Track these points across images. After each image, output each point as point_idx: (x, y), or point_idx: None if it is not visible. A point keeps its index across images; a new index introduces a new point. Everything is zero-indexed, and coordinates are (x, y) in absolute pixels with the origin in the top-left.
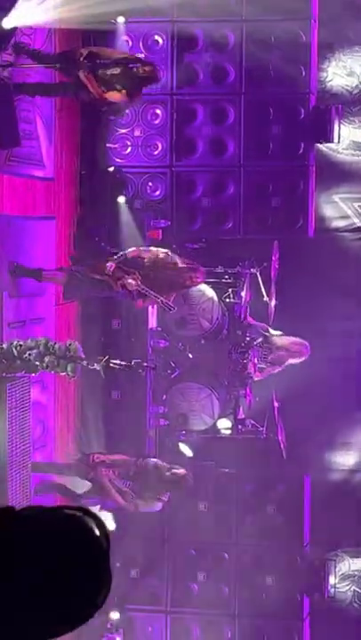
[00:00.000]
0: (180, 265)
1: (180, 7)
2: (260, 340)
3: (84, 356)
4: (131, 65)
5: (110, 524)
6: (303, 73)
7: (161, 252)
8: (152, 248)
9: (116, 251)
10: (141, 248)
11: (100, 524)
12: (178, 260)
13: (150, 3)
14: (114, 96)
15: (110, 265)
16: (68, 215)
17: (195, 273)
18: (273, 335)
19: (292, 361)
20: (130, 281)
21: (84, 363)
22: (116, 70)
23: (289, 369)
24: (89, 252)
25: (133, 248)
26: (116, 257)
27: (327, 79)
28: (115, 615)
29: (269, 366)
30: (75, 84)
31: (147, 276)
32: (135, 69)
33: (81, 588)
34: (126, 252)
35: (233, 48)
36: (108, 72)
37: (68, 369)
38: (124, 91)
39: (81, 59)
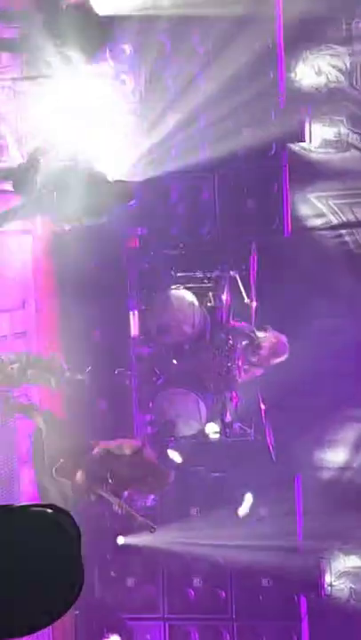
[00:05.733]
0: (153, 465)
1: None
2: (243, 342)
3: (66, 367)
4: None
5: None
6: (271, 75)
7: (131, 446)
8: (123, 442)
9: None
10: (111, 443)
11: (71, 520)
12: (150, 456)
13: None
14: None
15: (79, 474)
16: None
17: (165, 478)
18: (255, 336)
19: (275, 360)
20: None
21: (68, 374)
22: None
23: (274, 369)
24: None
25: (99, 446)
26: (87, 459)
27: (296, 79)
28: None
29: (255, 368)
30: None
31: (120, 473)
32: None
33: (54, 584)
34: (93, 451)
35: (201, 54)
36: None
37: (52, 381)
38: None
39: None
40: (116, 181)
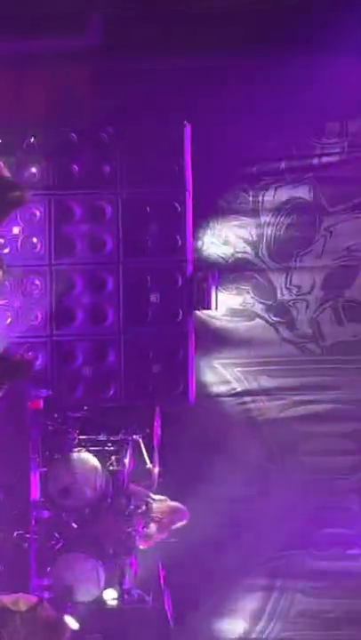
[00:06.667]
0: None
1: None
2: (143, 507)
3: None
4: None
5: None
6: (180, 242)
7: (27, 602)
8: (19, 597)
9: None
10: (6, 598)
11: None
12: (47, 612)
13: None
14: None
15: None
16: None
17: (62, 637)
18: (155, 501)
19: (175, 525)
20: None
21: None
22: None
23: (174, 535)
24: None
25: None
26: None
27: (203, 247)
28: None
29: (154, 533)
30: None
31: (14, 629)
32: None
33: None
34: None
35: (110, 219)
36: None
37: None
38: None
39: None
40: (14, 357)
